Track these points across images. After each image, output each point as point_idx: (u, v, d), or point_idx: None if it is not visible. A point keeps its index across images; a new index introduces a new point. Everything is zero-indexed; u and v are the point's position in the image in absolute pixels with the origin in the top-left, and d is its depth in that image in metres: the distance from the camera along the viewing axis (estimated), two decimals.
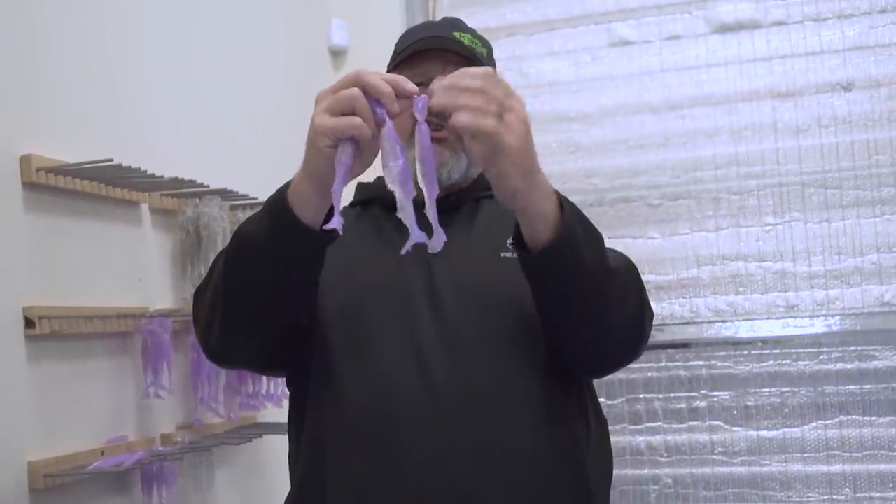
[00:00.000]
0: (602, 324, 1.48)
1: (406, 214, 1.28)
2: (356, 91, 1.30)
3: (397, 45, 1.76)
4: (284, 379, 1.75)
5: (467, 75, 1.31)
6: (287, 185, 1.40)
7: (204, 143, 2.55)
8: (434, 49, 1.66)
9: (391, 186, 1.29)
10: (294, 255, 1.41)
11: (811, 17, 3.19)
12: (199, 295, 1.57)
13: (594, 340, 1.51)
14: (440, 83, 1.31)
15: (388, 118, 1.30)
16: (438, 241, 1.30)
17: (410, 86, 1.33)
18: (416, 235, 1.28)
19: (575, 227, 1.37)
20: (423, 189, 1.31)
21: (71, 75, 2.06)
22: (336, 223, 1.27)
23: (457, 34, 1.68)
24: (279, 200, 1.39)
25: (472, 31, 1.73)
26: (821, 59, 3.18)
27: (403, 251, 1.30)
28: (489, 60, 1.73)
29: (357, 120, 1.29)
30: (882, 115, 3.12)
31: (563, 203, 1.38)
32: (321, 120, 1.31)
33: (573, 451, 1.56)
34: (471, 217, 1.67)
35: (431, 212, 1.29)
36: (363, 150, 1.33)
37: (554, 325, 1.51)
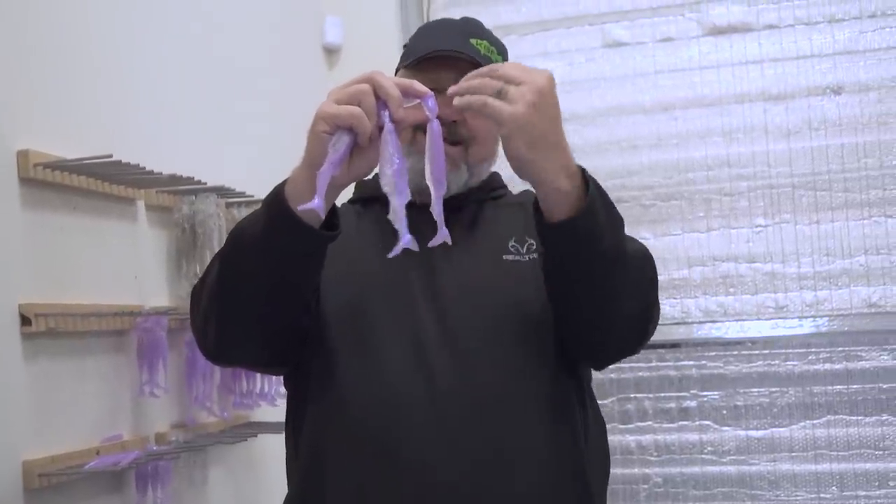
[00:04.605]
0: (611, 309, 1.47)
1: (397, 219, 1.28)
2: (366, 87, 1.31)
3: (411, 43, 1.73)
4: (280, 377, 1.74)
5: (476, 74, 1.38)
6: (286, 180, 1.40)
7: (200, 140, 2.54)
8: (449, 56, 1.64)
9: (385, 190, 1.29)
10: (289, 251, 1.39)
11: (802, 21, 3.21)
12: (195, 294, 1.56)
13: (600, 324, 1.50)
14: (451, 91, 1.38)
15: (389, 122, 1.31)
16: (440, 238, 1.31)
17: (422, 88, 1.34)
18: (406, 241, 1.29)
19: (597, 209, 1.37)
20: (430, 186, 1.31)
21: (68, 71, 2.06)
22: (317, 204, 1.27)
23: (474, 41, 1.65)
24: (276, 195, 1.39)
25: (490, 37, 1.71)
26: (811, 63, 3.19)
27: (391, 255, 1.30)
28: None
29: (357, 110, 1.30)
30: (871, 119, 3.13)
31: (589, 181, 1.37)
32: (324, 107, 1.32)
33: (573, 454, 1.57)
34: (473, 219, 1.66)
35: (438, 209, 1.30)
36: (362, 150, 1.33)
37: (562, 303, 1.50)
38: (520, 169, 1.36)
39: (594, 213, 1.37)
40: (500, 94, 1.32)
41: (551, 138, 1.35)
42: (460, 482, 1.47)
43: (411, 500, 1.48)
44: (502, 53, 1.72)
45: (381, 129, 1.32)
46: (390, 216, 1.29)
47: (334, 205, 1.42)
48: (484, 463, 1.49)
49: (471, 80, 1.37)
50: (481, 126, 1.64)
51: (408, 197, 1.29)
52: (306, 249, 1.41)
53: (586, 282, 1.44)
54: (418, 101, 1.34)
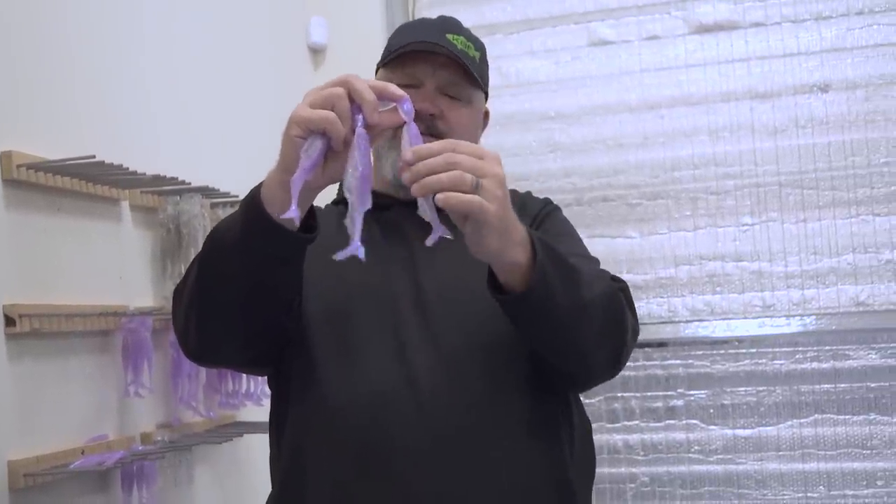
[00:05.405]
0: (578, 353, 1.49)
1: (352, 222, 1.26)
2: (340, 91, 1.29)
3: (389, 42, 1.74)
4: (265, 378, 1.73)
5: (427, 153, 1.28)
6: (262, 182, 1.39)
7: (185, 140, 2.53)
8: (425, 51, 1.65)
9: (347, 193, 1.27)
10: (266, 253, 1.38)
11: (789, 18, 3.21)
12: (177, 294, 1.55)
13: (571, 366, 1.53)
14: (405, 158, 1.28)
15: (362, 127, 1.29)
16: (435, 236, 1.29)
17: (398, 91, 1.32)
18: (354, 247, 1.25)
19: (547, 272, 1.36)
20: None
21: (52, 72, 2.05)
22: (292, 213, 1.26)
23: (450, 36, 1.66)
24: (252, 197, 1.38)
25: (467, 33, 1.72)
26: (798, 61, 3.20)
27: (338, 258, 1.26)
28: (482, 63, 1.73)
29: (330, 115, 1.27)
30: (858, 117, 3.14)
31: (536, 246, 1.36)
32: (298, 110, 1.30)
33: (557, 454, 1.57)
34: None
35: (430, 210, 1.28)
36: (337, 154, 1.31)
37: (534, 351, 1.53)
38: (486, 256, 1.34)
39: (545, 277, 1.36)
40: (477, 189, 1.26)
41: (510, 223, 1.33)
42: (443, 483, 1.47)
43: (394, 498, 1.47)
44: (480, 49, 1.73)
45: (353, 130, 1.30)
46: (346, 221, 1.26)
47: (312, 206, 1.41)
48: (467, 464, 1.48)
49: (432, 161, 1.28)
50: (460, 119, 1.65)
51: (368, 204, 1.26)
52: (283, 252, 1.40)
53: (549, 336, 1.46)
54: (394, 104, 1.32)
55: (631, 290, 1.60)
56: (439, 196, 1.25)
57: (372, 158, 1.33)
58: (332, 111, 1.28)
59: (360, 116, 1.29)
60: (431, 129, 1.61)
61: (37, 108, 1.99)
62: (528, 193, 1.83)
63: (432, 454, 1.47)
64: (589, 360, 1.52)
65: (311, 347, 1.55)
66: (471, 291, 1.52)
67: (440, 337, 1.53)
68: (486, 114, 1.81)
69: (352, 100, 1.29)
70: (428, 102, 1.63)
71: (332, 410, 1.51)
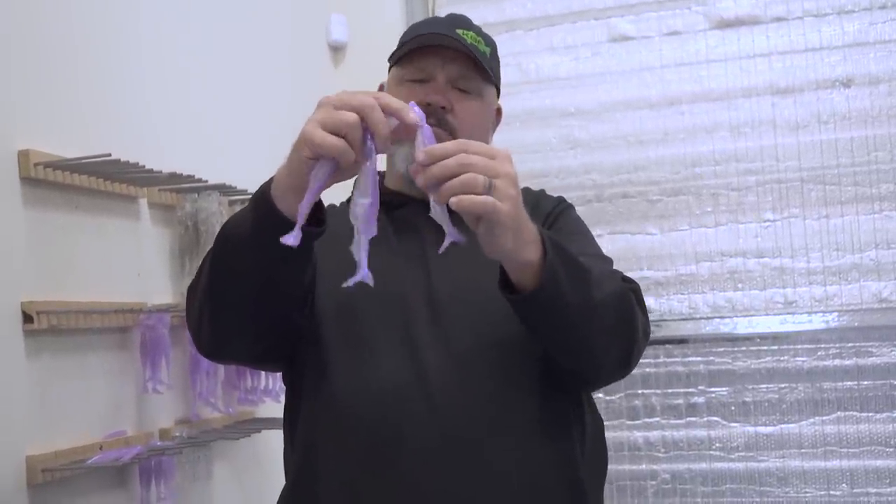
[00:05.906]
0: (588, 353, 1.49)
1: (358, 249, 1.27)
2: (355, 119, 1.26)
3: (400, 41, 1.75)
4: (280, 374, 1.75)
5: (440, 154, 1.28)
6: (272, 179, 1.39)
7: (202, 138, 2.54)
8: (435, 45, 1.65)
9: (354, 221, 1.27)
10: (276, 248, 1.36)
11: (811, 13, 3.19)
12: (191, 291, 1.56)
13: (582, 366, 1.53)
14: (419, 159, 1.28)
15: (374, 156, 1.28)
16: (448, 242, 1.30)
17: (412, 116, 1.29)
18: (363, 274, 1.27)
19: (556, 271, 1.36)
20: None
21: (69, 70, 2.06)
22: (293, 239, 1.26)
23: (460, 31, 1.66)
24: (262, 194, 1.38)
25: (477, 29, 1.72)
26: (820, 56, 3.17)
27: (346, 285, 1.28)
28: (493, 59, 1.73)
29: (342, 144, 1.25)
30: (881, 112, 3.11)
31: (546, 245, 1.36)
32: (311, 129, 1.27)
33: (568, 453, 1.57)
34: None
35: (444, 214, 1.29)
36: (343, 171, 1.30)
37: (545, 350, 1.53)
38: (499, 255, 1.34)
39: (555, 276, 1.36)
40: (489, 189, 1.26)
41: (522, 222, 1.33)
42: (452, 482, 1.47)
43: (403, 496, 1.48)
44: (490, 45, 1.73)
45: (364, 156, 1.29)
46: (352, 247, 1.27)
47: (320, 201, 1.41)
48: (477, 463, 1.48)
49: (445, 163, 1.27)
50: (470, 112, 1.66)
51: (373, 232, 1.28)
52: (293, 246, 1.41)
53: (559, 335, 1.46)
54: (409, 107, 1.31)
55: (652, 286, 1.61)
56: (452, 199, 1.25)
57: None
58: (345, 138, 1.26)
59: (372, 147, 1.28)
60: (442, 122, 1.61)
61: (53, 107, 2.01)
62: (542, 191, 1.82)
63: (442, 453, 1.47)
64: (599, 359, 1.51)
65: (322, 344, 1.56)
66: (483, 291, 1.52)
67: (452, 335, 1.53)
68: (499, 111, 1.81)
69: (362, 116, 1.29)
70: (439, 95, 1.63)
71: (342, 407, 1.52)
